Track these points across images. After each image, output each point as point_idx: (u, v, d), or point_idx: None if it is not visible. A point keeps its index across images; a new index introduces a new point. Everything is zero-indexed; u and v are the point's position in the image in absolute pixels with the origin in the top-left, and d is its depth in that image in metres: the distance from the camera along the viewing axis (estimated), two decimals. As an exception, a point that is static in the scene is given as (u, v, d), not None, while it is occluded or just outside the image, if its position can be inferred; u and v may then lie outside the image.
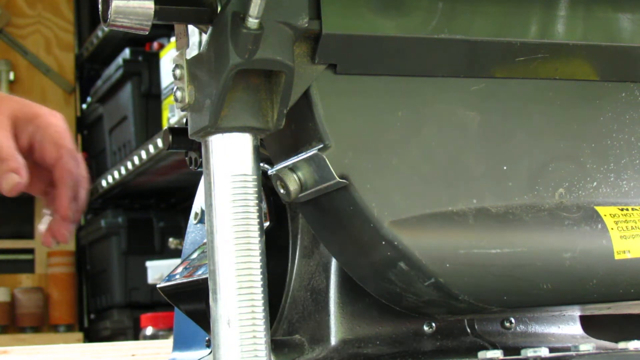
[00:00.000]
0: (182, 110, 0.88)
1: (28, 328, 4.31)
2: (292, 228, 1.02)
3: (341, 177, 0.87)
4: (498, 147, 0.95)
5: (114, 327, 3.99)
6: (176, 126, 1.13)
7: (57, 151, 1.14)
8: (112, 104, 4.01)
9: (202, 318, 1.12)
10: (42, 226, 1.16)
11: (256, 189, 0.86)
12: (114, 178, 3.72)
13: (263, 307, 0.85)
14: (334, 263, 0.98)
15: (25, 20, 4.62)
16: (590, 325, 1.08)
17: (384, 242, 0.88)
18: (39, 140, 1.15)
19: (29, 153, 1.16)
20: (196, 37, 0.90)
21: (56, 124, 1.16)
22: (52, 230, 1.15)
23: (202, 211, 1.20)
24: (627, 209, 0.97)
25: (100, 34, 4.26)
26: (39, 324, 4.34)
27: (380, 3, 0.90)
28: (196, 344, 1.20)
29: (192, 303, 1.14)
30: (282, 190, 0.89)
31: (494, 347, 1.00)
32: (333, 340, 0.97)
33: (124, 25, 0.84)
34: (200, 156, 1.01)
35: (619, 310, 1.06)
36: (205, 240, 1.14)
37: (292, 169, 0.89)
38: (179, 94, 0.88)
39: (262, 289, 0.85)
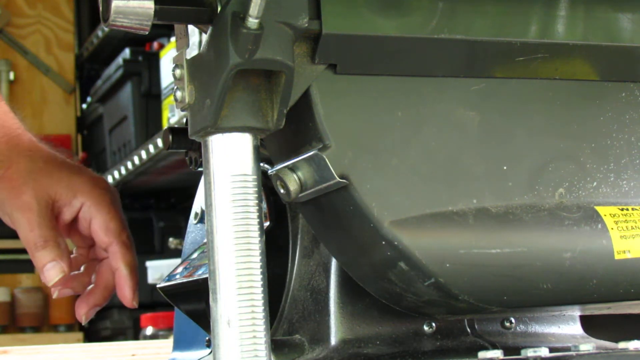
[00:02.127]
0: (182, 110, 0.88)
1: (28, 328, 4.32)
2: (292, 228, 1.02)
3: (341, 177, 0.87)
4: (498, 147, 0.95)
5: (114, 327, 3.99)
6: (176, 126, 1.13)
7: (107, 237, 1.08)
8: (112, 104, 4.01)
9: (202, 318, 1.12)
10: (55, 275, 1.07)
11: (256, 189, 0.86)
12: (114, 178, 3.72)
13: (263, 307, 0.85)
14: (334, 263, 0.98)
15: (25, 20, 4.62)
16: (591, 325, 1.08)
17: (384, 242, 0.88)
18: (87, 217, 1.08)
19: (73, 226, 1.10)
20: (196, 37, 0.90)
21: (103, 203, 1.08)
22: (87, 301, 1.10)
23: (202, 211, 1.20)
24: (627, 209, 0.97)
25: (100, 34, 4.26)
26: (39, 324, 4.35)
27: (380, 3, 0.90)
28: (196, 344, 1.20)
29: (192, 303, 1.14)
30: (282, 190, 0.89)
31: (494, 347, 1.00)
32: (333, 340, 0.97)
33: (124, 25, 0.84)
34: (200, 156, 1.01)
35: (619, 310, 1.06)
36: (205, 240, 1.14)
37: (292, 169, 0.89)
38: (179, 94, 0.88)
39: (262, 289, 0.85)
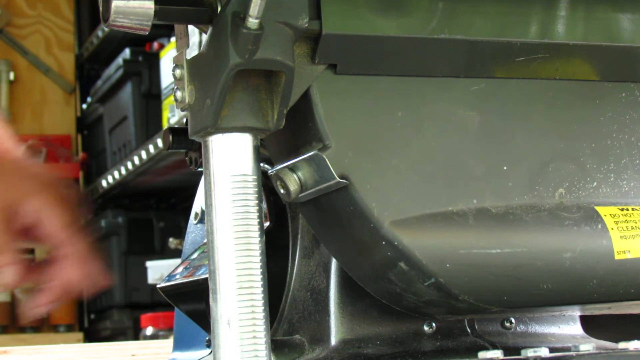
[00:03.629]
0: (182, 110, 0.88)
1: (28, 328, 4.31)
2: (292, 228, 1.02)
3: (341, 177, 0.87)
4: (498, 147, 0.95)
5: (114, 327, 3.99)
6: (176, 126, 1.13)
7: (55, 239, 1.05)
8: (112, 104, 4.01)
9: (202, 318, 1.12)
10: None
11: (256, 189, 0.86)
12: (114, 178, 3.72)
13: (263, 307, 0.85)
14: (334, 263, 0.98)
15: (25, 20, 4.62)
16: (591, 325, 1.08)
17: (384, 242, 0.88)
18: (42, 222, 1.05)
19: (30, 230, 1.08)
20: (196, 37, 0.90)
21: (52, 214, 1.04)
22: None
23: (202, 211, 1.20)
24: (627, 209, 0.97)
25: (100, 34, 4.26)
26: (39, 324, 4.34)
27: (380, 3, 0.90)
28: (196, 344, 1.20)
29: (192, 303, 1.14)
30: (282, 190, 0.89)
31: (494, 347, 1.00)
32: (333, 340, 0.97)
33: (124, 25, 0.84)
34: (201, 156, 1.01)
35: (619, 310, 1.06)
36: (205, 240, 1.14)
37: (292, 169, 0.89)
38: (179, 94, 0.88)
39: (262, 289, 0.85)
